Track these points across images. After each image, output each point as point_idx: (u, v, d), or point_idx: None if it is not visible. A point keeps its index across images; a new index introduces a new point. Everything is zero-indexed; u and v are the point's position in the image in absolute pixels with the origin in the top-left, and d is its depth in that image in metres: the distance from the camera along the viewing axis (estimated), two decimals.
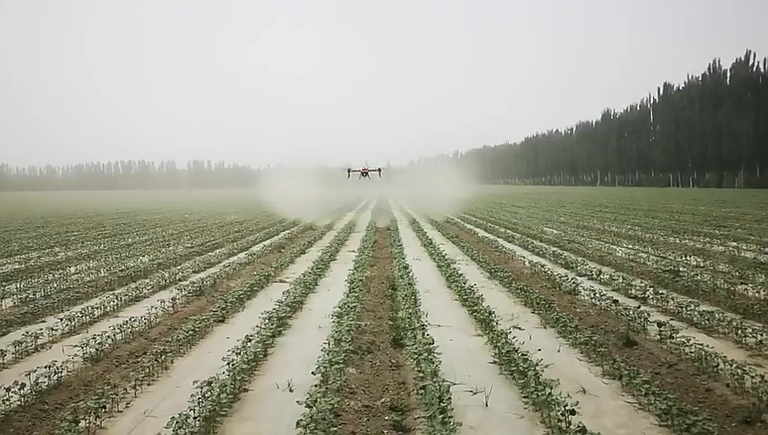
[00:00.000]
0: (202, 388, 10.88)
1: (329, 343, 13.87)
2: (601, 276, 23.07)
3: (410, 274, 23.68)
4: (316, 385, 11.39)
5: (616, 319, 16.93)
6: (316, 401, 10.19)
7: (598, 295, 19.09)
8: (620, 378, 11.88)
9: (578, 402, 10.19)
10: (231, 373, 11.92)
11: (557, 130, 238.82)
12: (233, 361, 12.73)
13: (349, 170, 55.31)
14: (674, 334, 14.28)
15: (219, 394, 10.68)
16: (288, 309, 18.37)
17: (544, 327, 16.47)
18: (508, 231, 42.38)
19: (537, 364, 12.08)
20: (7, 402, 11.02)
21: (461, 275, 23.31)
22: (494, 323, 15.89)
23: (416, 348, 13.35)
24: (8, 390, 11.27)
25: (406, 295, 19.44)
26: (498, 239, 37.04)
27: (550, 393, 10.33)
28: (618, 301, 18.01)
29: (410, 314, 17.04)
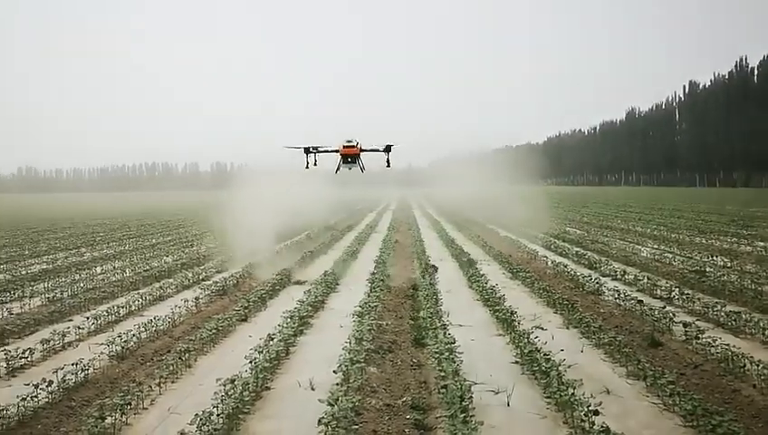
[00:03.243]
0: (225, 386, 10.98)
1: (350, 343, 13.90)
2: (626, 277, 22.85)
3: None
4: (337, 384, 11.44)
5: (641, 320, 16.77)
6: (338, 399, 10.23)
7: (622, 296, 18.93)
8: (645, 379, 11.76)
9: (601, 403, 10.13)
10: (253, 372, 12.01)
11: (580, 130, 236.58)
12: (255, 359, 12.82)
13: (308, 150, 22.23)
14: (700, 335, 14.12)
15: (242, 392, 10.77)
16: (310, 308, 18.46)
17: (567, 327, 16.37)
18: (529, 231, 42.13)
19: (559, 364, 12.01)
20: (35, 399, 11.21)
21: (483, 274, 23.26)
22: (516, 323, 15.83)
23: (437, 347, 13.34)
24: (36, 387, 11.47)
25: (427, 295, 19.44)
26: (520, 239, 36.82)
27: (573, 393, 10.26)
28: (642, 301, 17.84)
29: (431, 313, 17.05)
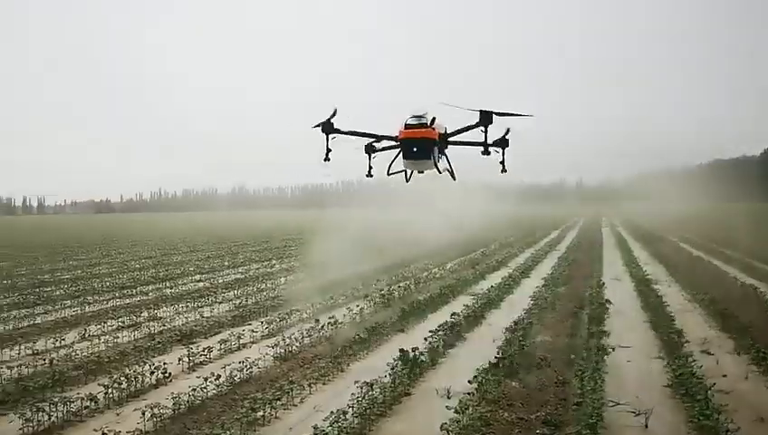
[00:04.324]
0: (362, 388, 11.62)
1: (495, 357, 13.96)
2: None
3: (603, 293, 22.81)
4: (470, 393, 11.60)
5: None
6: (467, 408, 10.42)
7: None
8: None
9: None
10: (392, 377, 12.55)
11: None
12: (399, 366, 13.36)
13: (331, 130, 11.70)
14: None
15: (378, 395, 11.33)
16: (465, 322, 18.70)
17: (738, 354, 15.03)
18: (726, 250, 38.72)
19: (709, 389, 11.16)
20: (205, 390, 12.68)
21: (659, 296, 22.02)
22: (681, 347, 14.88)
23: (585, 366, 13.00)
24: (206, 380, 12.96)
25: (591, 315, 18.85)
26: (712, 259, 34.02)
27: (717, 419, 9.54)
28: None
29: (592, 333, 16.55)
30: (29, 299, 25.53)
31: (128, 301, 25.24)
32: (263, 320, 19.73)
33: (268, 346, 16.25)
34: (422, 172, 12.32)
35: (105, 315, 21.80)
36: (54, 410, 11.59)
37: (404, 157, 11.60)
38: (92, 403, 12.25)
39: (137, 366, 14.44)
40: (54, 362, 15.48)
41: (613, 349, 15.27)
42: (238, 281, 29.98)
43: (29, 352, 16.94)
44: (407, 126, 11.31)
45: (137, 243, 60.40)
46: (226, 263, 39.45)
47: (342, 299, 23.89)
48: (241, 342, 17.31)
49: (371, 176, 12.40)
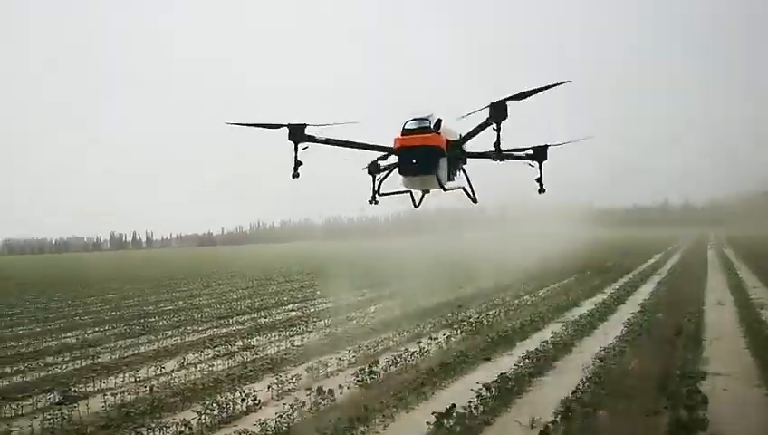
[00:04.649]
0: (439, 418, 11.60)
1: (584, 385, 13.59)
2: None
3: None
4: (554, 423, 11.33)
5: None
6: None
7: None
8: None
9: None
10: (468, 408, 12.46)
11: None
12: (483, 396, 13.24)
13: (302, 137, 9.01)
14: None
15: (456, 425, 11.28)
16: (555, 350, 18.29)
17: None
18: None
19: None
20: (290, 417, 13.04)
21: (762, 321, 20.73)
22: None
23: (678, 394, 12.44)
24: (292, 407, 13.42)
25: (688, 342, 18.02)
26: None
27: None
28: None
29: (687, 359, 15.82)
30: (134, 329, 27.07)
31: (224, 330, 26.25)
32: (350, 348, 20.05)
33: (354, 374, 16.48)
34: (428, 192, 9.77)
35: (203, 344, 22.79)
36: None
37: (400, 172, 9.02)
38: (186, 429, 12.84)
39: (228, 393, 15.04)
40: (154, 389, 16.33)
41: (708, 376, 14.54)
42: (329, 310, 30.55)
43: (132, 379, 17.94)
44: (404, 131, 8.88)
45: (235, 274, 62.64)
46: (318, 292, 40.21)
47: (430, 327, 23.90)
48: (328, 369, 17.66)
49: (376, 202, 9.95)
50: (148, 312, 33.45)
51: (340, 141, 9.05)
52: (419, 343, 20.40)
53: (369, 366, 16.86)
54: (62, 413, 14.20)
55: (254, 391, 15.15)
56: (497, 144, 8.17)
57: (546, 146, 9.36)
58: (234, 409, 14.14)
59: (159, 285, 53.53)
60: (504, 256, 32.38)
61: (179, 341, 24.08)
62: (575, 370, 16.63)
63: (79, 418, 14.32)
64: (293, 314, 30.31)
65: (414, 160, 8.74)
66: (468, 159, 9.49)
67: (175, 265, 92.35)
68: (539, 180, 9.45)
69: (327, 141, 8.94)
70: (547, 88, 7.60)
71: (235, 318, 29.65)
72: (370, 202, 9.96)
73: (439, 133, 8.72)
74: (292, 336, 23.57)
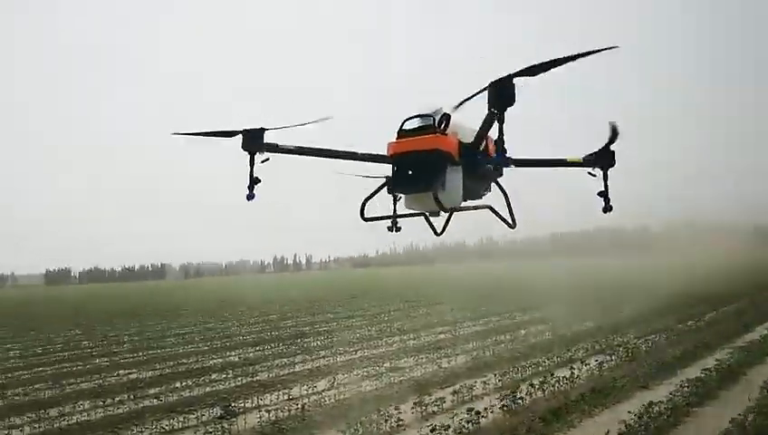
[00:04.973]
0: None
1: (750, 415, 12.40)
2: None
3: None
4: None
5: None
6: None
7: None
8: None
9: None
10: None
11: None
12: (633, 428, 12.48)
13: (258, 146, 7.06)
14: None
15: None
16: (719, 378, 16.88)
17: None
18: None
19: None
20: None
21: None
22: None
23: None
24: (433, 430, 13.37)
25: None
26: None
27: None
28: None
29: None
30: (291, 349, 28.38)
31: (374, 351, 26.76)
32: (497, 372, 19.69)
33: (499, 398, 16.16)
34: (430, 215, 7.69)
35: (352, 365, 23.41)
36: None
37: (393, 185, 7.19)
38: None
39: (373, 414, 15.30)
40: (306, 407, 17.01)
41: None
42: (478, 333, 30.24)
43: (286, 397, 18.78)
44: (401, 133, 6.98)
45: (386, 296, 63.76)
46: (468, 314, 39.92)
47: (583, 352, 22.93)
48: (473, 393, 17.45)
49: (398, 229, 8.10)
50: (303, 332, 34.95)
51: (315, 150, 7.14)
52: (571, 367, 19.63)
53: (514, 391, 16.46)
54: (222, 427, 15.20)
55: (399, 412, 15.28)
56: (499, 142, 6.15)
57: (610, 150, 7.20)
58: (378, 429, 14.36)
59: (314, 305, 55.71)
60: (667, 281, 30.24)
61: (331, 361, 24.89)
62: (739, 400, 15.22)
63: (237, 432, 15.25)
64: (442, 336, 30.31)
65: (410, 172, 6.82)
66: (504, 169, 7.23)
67: (331, 285, 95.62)
68: (603, 194, 7.50)
69: (298, 151, 7.08)
70: (585, 55, 5.65)
71: (384, 340, 30.17)
72: (390, 229, 8.15)
73: (446, 133, 6.73)
74: (439, 359, 23.56)
